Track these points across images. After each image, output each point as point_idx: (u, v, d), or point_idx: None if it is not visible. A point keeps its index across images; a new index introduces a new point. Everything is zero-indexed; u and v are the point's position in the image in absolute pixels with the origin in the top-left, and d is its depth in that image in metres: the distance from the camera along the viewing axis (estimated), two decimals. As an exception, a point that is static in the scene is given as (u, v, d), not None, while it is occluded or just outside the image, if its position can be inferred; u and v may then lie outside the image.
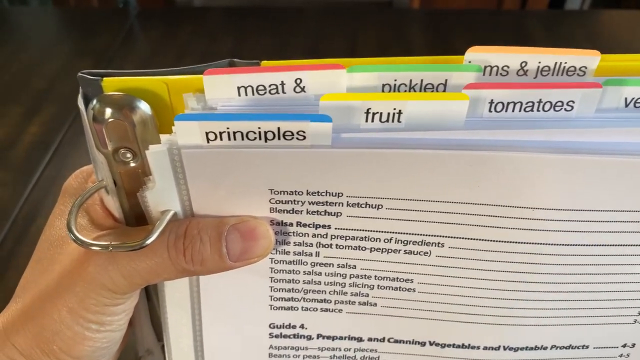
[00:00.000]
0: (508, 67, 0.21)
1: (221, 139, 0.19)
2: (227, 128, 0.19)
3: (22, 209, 0.53)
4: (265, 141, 0.20)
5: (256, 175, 0.21)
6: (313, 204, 0.22)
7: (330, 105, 0.19)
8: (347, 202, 0.21)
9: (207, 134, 0.19)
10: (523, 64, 0.21)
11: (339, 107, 0.20)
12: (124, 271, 0.21)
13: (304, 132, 0.19)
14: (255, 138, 0.19)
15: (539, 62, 0.21)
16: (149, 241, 0.20)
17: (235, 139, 0.19)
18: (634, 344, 0.25)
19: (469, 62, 0.21)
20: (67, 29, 0.84)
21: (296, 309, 0.25)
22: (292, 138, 0.19)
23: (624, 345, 0.26)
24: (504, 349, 0.25)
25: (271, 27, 0.80)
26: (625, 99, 0.21)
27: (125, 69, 0.21)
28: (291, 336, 0.25)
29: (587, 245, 0.22)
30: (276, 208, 0.22)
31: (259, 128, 0.19)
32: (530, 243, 0.22)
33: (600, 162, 0.20)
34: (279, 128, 0.19)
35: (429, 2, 1.24)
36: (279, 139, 0.19)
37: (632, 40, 0.79)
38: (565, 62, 0.21)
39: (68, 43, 0.80)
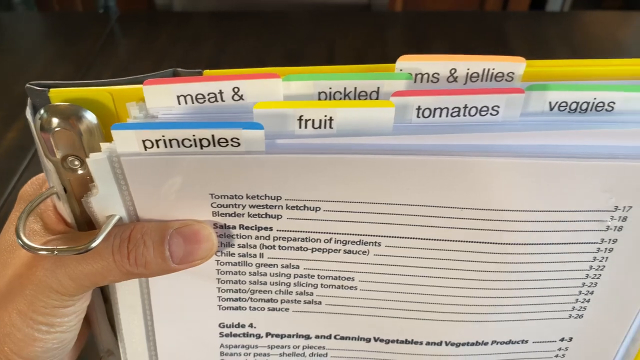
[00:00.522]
0: (438, 74, 0.22)
1: (158, 147, 0.20)
2: (163, 136, 0.20)
3: (0, 213, 0.54)
4: (201, 148, 0.20)
5: (195, 181, 0.21)
6: (254, 207, 0.22)
7: (263, 112, 0.20)
8: (287, 205, 0.22)
9: (143, 141, 0.20)
10: (452, 71, 0.22)
11: (273, 115, 0.20)
12: (71, 274, 0.22)
13: (237, 139, 0.20)
14: (191, 145, 0.20)
15: (468, 69, 0.22)
16: (93, 245, 0.21)
17: (171, 146, 0.20)
18: (572, 338, 0.26)
19: (400, 70, 0.22)
20: (50, 34, 0.85)
21: (244, 308, 0.25)
22: (227, 145, 0.20)
23: (562, 340, 0.27)
24: (446, 344, 0.26)
25: (252, 31, 0.81)
26: (550, 102, 0.22)
27: (105, 73, 0.22)
28: (241, 335, 0.26)
29: (518, 244, 0.23)
30: (218, 212, 0.22)
31: (194, 135, 0.20)
32: (462, 241, 0.23)
33: (521, 165, 0.21)
34: (213, 135, 0.20)
35: (412, 4, 1.25)
36: (214, 145, 0.20)
37: (612, 40, 0.80)
38: (493, 69, 0.22)
39: (49, 48, 0.80)
